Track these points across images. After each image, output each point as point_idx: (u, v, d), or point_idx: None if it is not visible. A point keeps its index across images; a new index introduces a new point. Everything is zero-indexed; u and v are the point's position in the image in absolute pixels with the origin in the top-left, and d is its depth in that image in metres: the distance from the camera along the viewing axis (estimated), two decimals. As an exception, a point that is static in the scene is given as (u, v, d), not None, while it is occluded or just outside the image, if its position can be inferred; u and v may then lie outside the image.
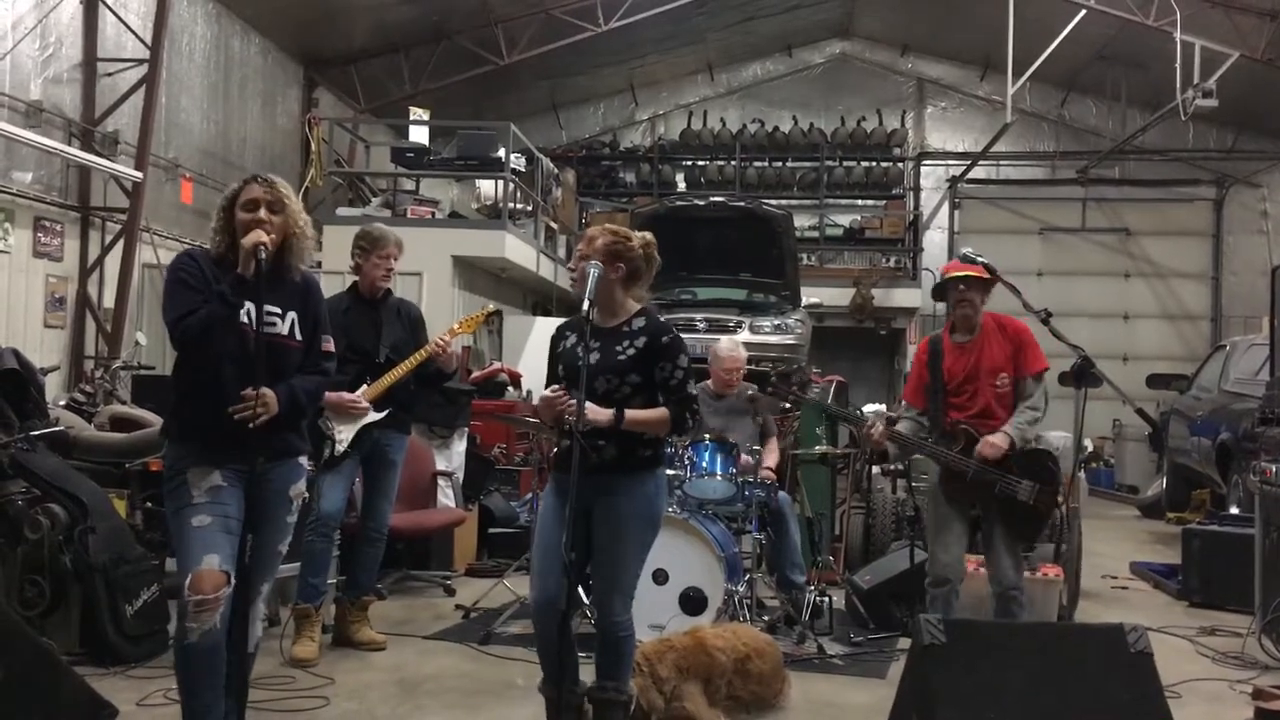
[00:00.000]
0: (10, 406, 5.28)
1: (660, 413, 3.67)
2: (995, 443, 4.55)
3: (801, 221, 15.77)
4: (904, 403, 4.98)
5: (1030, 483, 4.57)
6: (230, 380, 3.33)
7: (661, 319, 3.84)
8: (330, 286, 6.16)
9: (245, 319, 3.37)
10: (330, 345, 3.66)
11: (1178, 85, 12.34)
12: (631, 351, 3.69)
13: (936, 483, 4.73)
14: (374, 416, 5.14)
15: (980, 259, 4.70)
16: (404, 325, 5.35)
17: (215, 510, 3.32)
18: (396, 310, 5.38)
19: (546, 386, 3.81)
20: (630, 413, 3.62)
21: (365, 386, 5.12)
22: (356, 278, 5.35)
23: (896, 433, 4.82)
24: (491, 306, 6.05)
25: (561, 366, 3.77)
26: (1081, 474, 9.97)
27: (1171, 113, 13.10)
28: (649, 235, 3.85)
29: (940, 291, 4.84)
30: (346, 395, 5.04)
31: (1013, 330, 4.71)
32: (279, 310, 3.48)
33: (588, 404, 3.50)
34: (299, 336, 3.53)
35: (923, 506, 5.28)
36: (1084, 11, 12.46)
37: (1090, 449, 15.06)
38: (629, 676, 3.78)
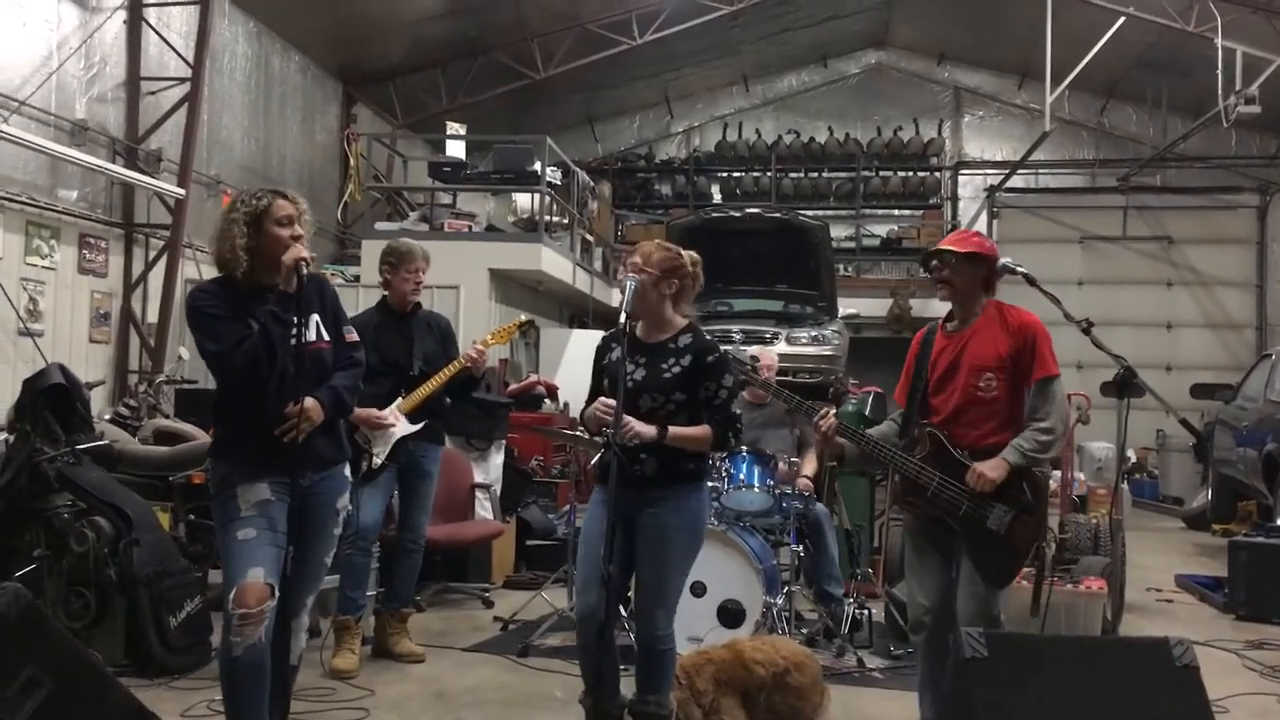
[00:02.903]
0: (56, 421, 5.36)
1: (704, 430, 3.70)
2: (985, 473, 3.72)
3: (838, 232, 15.73)
4: (892, 417, 4.24)
5: (1003, 507, 3.76)
6: (275, 395, 3.40)
7: (707, 336, 3.86)
8: (369, 300, 6.25)
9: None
10: (354, 335, 3.72)
11: (1219, 91, 12.19)
12: (677, 370, 3.72)
13: (910, 523, 4.06)
14: (409, 428, 5.18)
15: (1020, 269, 4.39)
16: (435, 337, 5.40)
17: (261, 524, 3.37)
18: (426, 323, 5.42)
19: (590, 397, 3.83)
20: (674, 430, 3.65)
21: (400, 399, 5.17)
22: (386, 292, 5.40)
23: (850, 429, 4.01)
24: (524, 317, 6.07)
25: (606, 380, 3.77)
26: (1125, 485, 9.87)
27: (1213, 119, 12.93)
28: (695, 255, 3.86)
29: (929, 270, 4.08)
30: (374, 411, 5.06)
31: (1017, 324, 3.86)
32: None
33: (634, 420, 3.56)
34: (326, 337, 3.59)
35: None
36: (1123, 19, 12.34)
37: (1134, 460, 14.88)
38: (670, 690, 3.78)
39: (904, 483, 3.96)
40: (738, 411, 3.79)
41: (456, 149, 13.26)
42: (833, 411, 3.96)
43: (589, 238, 14.32)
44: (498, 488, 7.66)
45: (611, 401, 3.57)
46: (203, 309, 3.42)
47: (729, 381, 3.75)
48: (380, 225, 12.40)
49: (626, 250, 15.88)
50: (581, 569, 3.78)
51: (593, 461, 3.94)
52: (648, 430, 3.58)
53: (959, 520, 3.80)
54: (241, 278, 3.45)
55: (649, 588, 3.71)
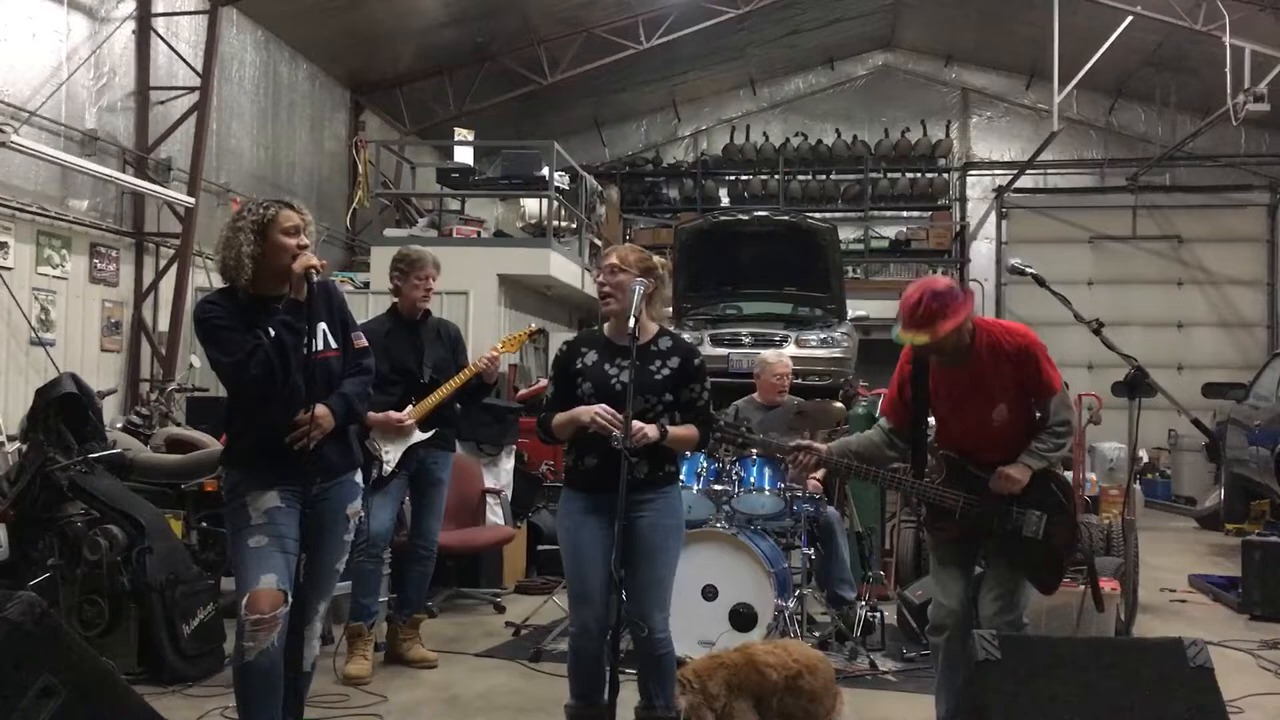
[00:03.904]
0: (69, 430, 5.39)
1: (694, 430, 3.78)
2: (1011, 474, 3.75)
3: (846, 234, 15.71)
4: (880, 419, 4.12)
5: (1035, 513, 3.80)
6: (285, 403, 3.40)
7: (686, 339, 3.92)
8: (378, 306, 6.27)
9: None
10: (363, 341, 3.73)
11: (1228, 90, 12.14)
12: (666, 371, 3.76)
13: (926, 522, 4.08)
14: (420, 436, 5.19)
15: (1029, 269, 4.42)
16: (445, 345, 5.42)
17: (271, 531, 3.38)
18: (436, 330, 5.44)
19: (553, 404, 3.80)
20: (672, 429, 3.69)
21: (410, 407, 5.18)
22: (396, 300, 5.41)
23: (838, 461, 3.99)
24: (534, 326, 6.09)
25: (589, 384, 3.74)
26: (1137, 485, 9.82)
27: (1222, 118, 12.88)
28: (661, 258, 3.93)
29: None
30: (393, 414, 5.08)
31: (1013, 349, 3.78)
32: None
33: (637, 422, 3.57)
34: (334, 344, 3.59)
35: None
36: (1130, 18, 12.31)
37: (1146, 460, 14.82)
38: (674, 691, 3.78)
39: (930, 511, 3.96)
40: (714, 414, 3.89)
41: (464, 155, 13.27)
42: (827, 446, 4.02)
43: (597, 242, 14.32)
44: (508, 493, 7.68)
45: (604, 407, 3.59)
46: (211, 320, 3.43)
47: (708, 384, 3.85)
48: (389, 232, 12.42)
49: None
50: (579, 581, 3.74)
51: (567, 464, 3.86)
52: (654, 431, 3.61)
53: (994, 536, 3.82)
54: (246, 285, 3.46)
55: (648, 591, 3.70)
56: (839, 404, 6.95)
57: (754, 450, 5.66)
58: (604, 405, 3.62)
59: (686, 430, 3.75)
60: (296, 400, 3.38)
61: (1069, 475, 7.58)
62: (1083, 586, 5.51)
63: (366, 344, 3.74)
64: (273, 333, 3.35)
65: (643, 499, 3.67)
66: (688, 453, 5.41)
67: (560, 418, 3.73)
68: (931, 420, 4.05)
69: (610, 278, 3.75)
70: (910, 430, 3.97)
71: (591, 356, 3.79)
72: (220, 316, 3.43)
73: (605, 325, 3.88)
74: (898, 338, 3.77)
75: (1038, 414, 3.86)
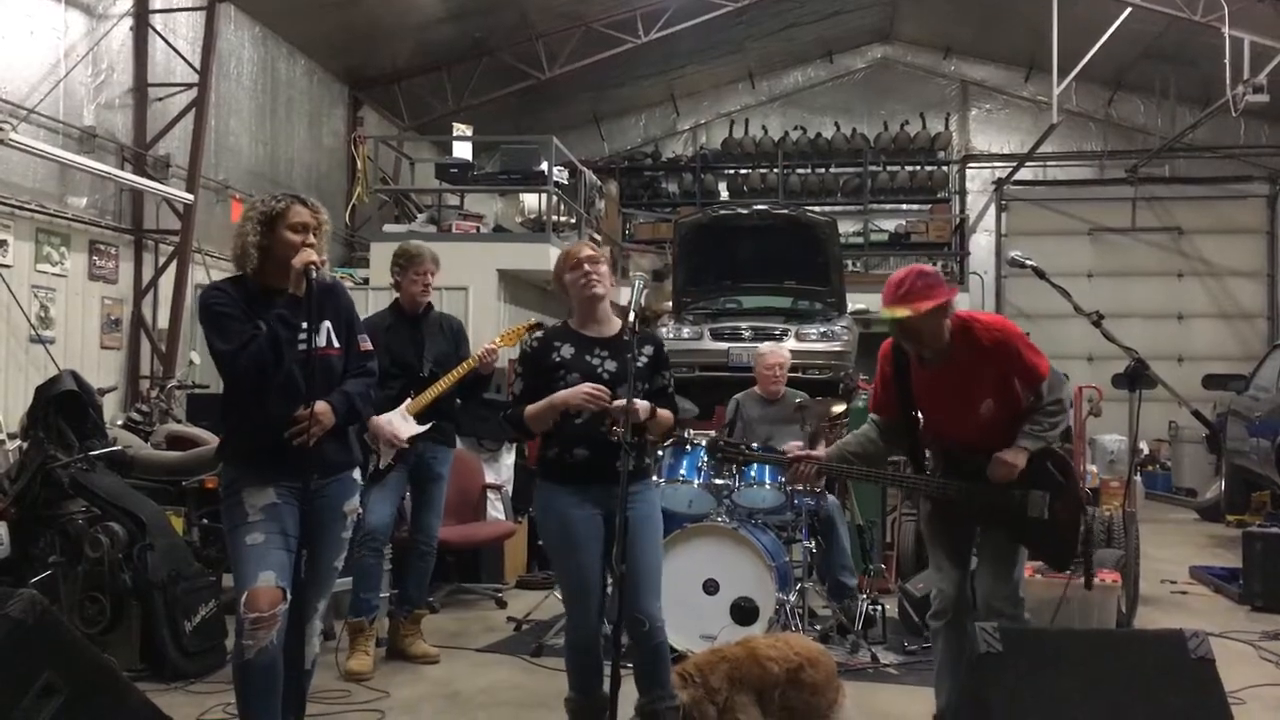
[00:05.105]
0: (69, 427, 5.39)
1: (670, 413, 3.85)
2: (1007, 460, 3.74)
3: (846, 228, 15.68)
4: (872, 416, 4.11)
5: (1038, 493, 3.79)
6: (282, 398, 3.38)
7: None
8: (378, 302, 6.26)
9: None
10: (368, 344, 3.72)
11: (1227, 81, 12.12)
12: (644, 360, 3.80)
13: (928, 514, 4.07)
14: (418, 429, 5.19)
15: (1029, 262, 4.41)
16: (446, 339, 5.42)
17: (270, 528, 3.37)
18: (438, 324, 5.44)
19: (523, 398, 3.76)
20: (660, 411, 3.75)
21: (409, 400, 5.18)
22: (398, 294, 5.41)
23: (837, 467, 4.03)
24: (534, 320, 6.09)
25: (576, 374, 3.72)
26: (1138, 477, 9.82)
27: (1222, 109, 12.85)
28: None
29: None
30: (384, 429, 5.05)
31: (991, 343, 3.74)
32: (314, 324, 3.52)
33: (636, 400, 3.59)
34: (337, 344, 3.58)
35: None
36: (1129, 9, 12.29)
37: (1146, 452, 14.83)
38: (670, 679, 3.79)
39: (933, 504, 3.97)
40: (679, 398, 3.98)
41: (463, 150, 13.27)
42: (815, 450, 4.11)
43: (597, 237, 14.29)
44: (509, 488, 7.68)
45: (591, 385, 3.60)
46: (214, 306, 3.43)
47: (670, 369, 3.96)
48: (388, 227, 12.41)
49: (633, 247, 15.97)
50: (578, 576, 3.72)
51: (548, 456, 3.80)
52: (646, 407, 3.65)
53: (1001, 519, 3.82)
54: (252, 275, 3.46)
55: (644, 582, 3.69)
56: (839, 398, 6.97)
57: (755, 443, 5.68)
58: (589, 384, 3.63)
59: (667, 413, 3.82)
60: (295, 396, 3.37)
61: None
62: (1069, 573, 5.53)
63: (371, 347, 3.73)
64: (269, 326, 3.35)
65: (630, 491, 3.66)
66: (687, 447, 5.48)
67: (536, 407, 3.69)
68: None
69: (595, 267, 3.83)
70: (902, 425, 3.98)
71: (568, 349, 3.79)
72: (223, 303, 3.43)
73: (570, 319, 3.91)
74: (880, 314, 3.77)
75: (1031, 398, 3.84)
